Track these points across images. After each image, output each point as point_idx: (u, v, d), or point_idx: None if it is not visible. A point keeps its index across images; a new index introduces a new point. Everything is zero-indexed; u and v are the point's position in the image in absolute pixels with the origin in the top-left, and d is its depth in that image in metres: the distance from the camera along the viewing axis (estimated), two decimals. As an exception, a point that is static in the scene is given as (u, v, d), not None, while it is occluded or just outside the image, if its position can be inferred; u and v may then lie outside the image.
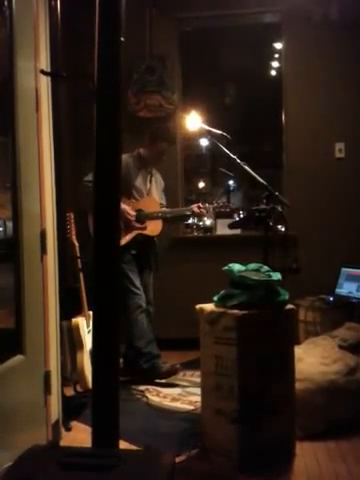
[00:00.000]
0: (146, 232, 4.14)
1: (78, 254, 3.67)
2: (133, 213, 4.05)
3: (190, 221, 6.28)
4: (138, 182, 4.19)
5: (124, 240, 4.00)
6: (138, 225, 4.09)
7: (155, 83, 4.99)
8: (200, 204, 4.23)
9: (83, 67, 2.70)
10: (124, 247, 3.98)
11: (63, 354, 3.39)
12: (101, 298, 1.77)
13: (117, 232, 1.79)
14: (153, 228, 4.18)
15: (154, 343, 4.08)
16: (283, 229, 3.53)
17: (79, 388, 3.62)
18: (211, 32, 5.62)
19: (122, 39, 1.71)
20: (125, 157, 4.10)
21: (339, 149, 4.95)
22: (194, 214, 4.30)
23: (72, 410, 3.25)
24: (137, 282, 4.10)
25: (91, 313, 3.20)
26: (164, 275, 4.37)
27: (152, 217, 4.18)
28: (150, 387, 3.90)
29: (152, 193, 4.29)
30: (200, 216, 4.43)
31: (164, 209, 4.36)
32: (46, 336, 2.81)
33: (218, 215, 5.26)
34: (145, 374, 4.02)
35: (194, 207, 4.22)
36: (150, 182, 4.28)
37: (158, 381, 3.99)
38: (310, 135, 4.99)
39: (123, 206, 3.94)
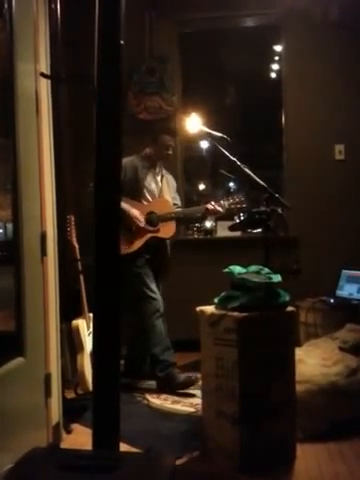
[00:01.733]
0: (159, 235, 4.04)
1: (78, 256, 3.67)
2: (142, 218, 3.96)
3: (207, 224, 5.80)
4: (148, 183, 4.10)
5: (137, 245, 3.94)
6: (150, 228, 4.00)
7: (155, 85, 4.99)
8: (213, 202, 4.04)
9: (83, 69, 2.71)
10: (137, 252, 3.94)
11: (63, 356, 3.38)
12: (102, 300, 1.77)
13: (117, 234, 1.79)
14: (166, 230, 4.08)
15: (170, 350, 3.98)
16: (283, 231, 3.52)
17: (79, 390, 3.62)
18: (211, 34, 5.62)
19: (122, 42, 1.71)
20: (133, 159, 4.07)
21: (339, 151, 4.95)
22: (208, 212, 4.08)
23: (73, 412, 3.25)
24: (153, 286, 4.01)
25: (91, 315, 3.20)
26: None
27: (165, 219, 4.06)
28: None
29: (164, 194, 4.18)
30: (215, 214, 4.19)
31: (177, 209, 4.25)
32: (46, 338, 2.81)
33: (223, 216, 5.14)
34: (160, 383, 3.94)
35: (208, 205, 4.04)
36: (161, 182, 4.19)
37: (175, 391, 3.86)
38: (310, 137, 5.00)
39: (133, 211, 3.91)
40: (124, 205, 3.85)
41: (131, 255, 3.90)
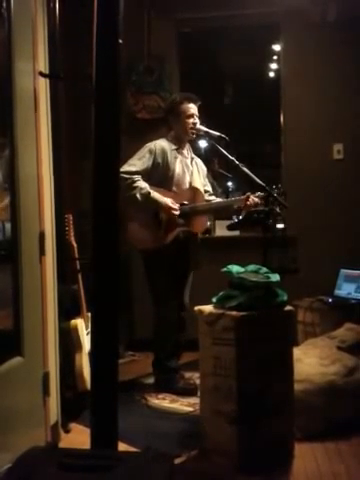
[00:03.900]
0: (191, 229, 3.79)
1: (77, 255, 3.66)
2: (176, 206, 3.69)
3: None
4: (178, 169, 3.80)
5: (164, 240, 3.70)
6: (181, 221, 3.73)
7: (153, 84, 4.98)
8: (249, 193, 3.67)
9: (81, 68, 2.71)
10: (163, 248, 3.71)
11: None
12: (100, 299, 1.77)
13: (116, 233, 1.79)
14: (198, 224, 3.84)
15: (175, 356, 3.91)
16: (281, 231, 3.52)
17: (78, 389, 3.60)
18: (209, 33, 5.62)
19: (120, 40, 1.71)
20: (161, 142, 3.82)
21: (337, 150, 4.95)
22: (247, 206, 3.67)
23: (71, 412, 3.24)
24: (170, 292, 3.81)
25: (90, 314, 3.19)
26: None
27: (198, 212, 3.80)
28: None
29: (194, 180, 3.86)
30: (254, 207, 3.68)
31: (212, 202, 3.97)
32: (45, 338, 2.81)
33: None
34: (160, 385, 3.87)
35: (247, 198, 3.65)
36: (192, 165, 3.89)
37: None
38: (308, 136, 5.00)
39: (164, 200, 3.67)
40: (155, 194, 3.65)
41: (156, 251, 3.72)
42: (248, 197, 3.66)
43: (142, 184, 3.66)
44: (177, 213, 3.69)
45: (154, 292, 3.88)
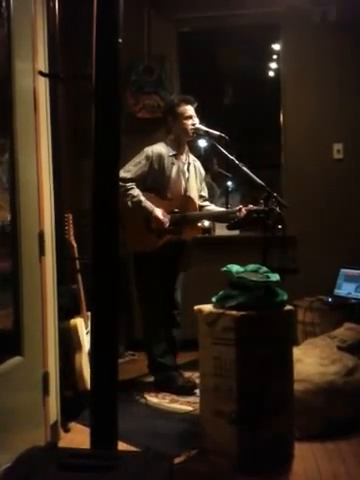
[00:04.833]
0: (181, 236, 3.83)
1: (76, 255, 3.66)
2: (167, 219, 3.73)
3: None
4: (175, 175, 3.83)
5: (155, 245, 3.74)
6: (172, 228, 3.76)
7: (153, 84, 4.98)
8: (241, 206, 3.71)
9: (81, 68, 2.71)
10: (155, 251, 3.74)
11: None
12: (100, 299, 1.77)
13: (116, 233, 1.79)
14: (189, 232, 3.88)
15: (170, 354, 3.90)
16: (280, 228, 3.51)
17: (78, 389, 3.60)
18: (209, 33, 5.62)
19: (120, 40, 1.71)
20: (159, 147, 3.85)
21: (337, 150, 4.95)
22: (240, 217, 3.68)
23: (71, 411, 3.24)
24: (160, 291, 3.84)
25: (89, 314, 3.19)
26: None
27: (189, 220, 3.84)
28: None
29: (190, 186, 3.90)
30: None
31: (205, 211, 4.05)
32: (44, 337, 2.81)
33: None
34: (158, 385, 3.86)
35: (240, 210, 3.68)
36: (188, 172, 3.90)
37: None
38: (308, 136, 5.00)
39: (156, 212, 3.70)
40: (146, 204, 3.70)
41: (146, 254, 3.76)
42: (240, 210, 3.70)
43: (134, 192, 3.71)
44: (166, 226, 3.74)
45: (140, 292, 3.93)
